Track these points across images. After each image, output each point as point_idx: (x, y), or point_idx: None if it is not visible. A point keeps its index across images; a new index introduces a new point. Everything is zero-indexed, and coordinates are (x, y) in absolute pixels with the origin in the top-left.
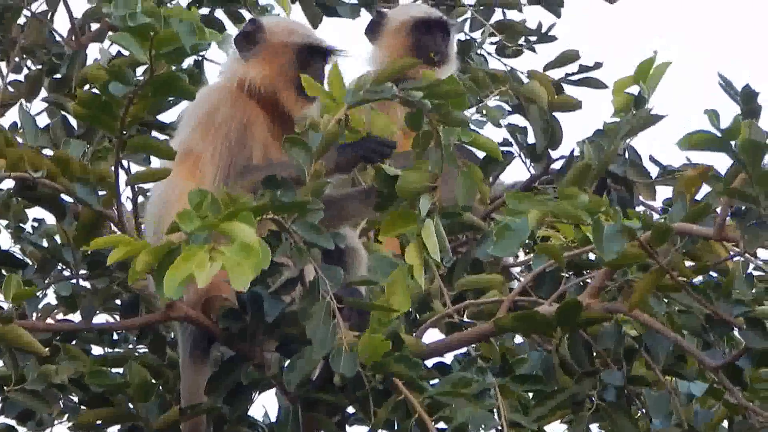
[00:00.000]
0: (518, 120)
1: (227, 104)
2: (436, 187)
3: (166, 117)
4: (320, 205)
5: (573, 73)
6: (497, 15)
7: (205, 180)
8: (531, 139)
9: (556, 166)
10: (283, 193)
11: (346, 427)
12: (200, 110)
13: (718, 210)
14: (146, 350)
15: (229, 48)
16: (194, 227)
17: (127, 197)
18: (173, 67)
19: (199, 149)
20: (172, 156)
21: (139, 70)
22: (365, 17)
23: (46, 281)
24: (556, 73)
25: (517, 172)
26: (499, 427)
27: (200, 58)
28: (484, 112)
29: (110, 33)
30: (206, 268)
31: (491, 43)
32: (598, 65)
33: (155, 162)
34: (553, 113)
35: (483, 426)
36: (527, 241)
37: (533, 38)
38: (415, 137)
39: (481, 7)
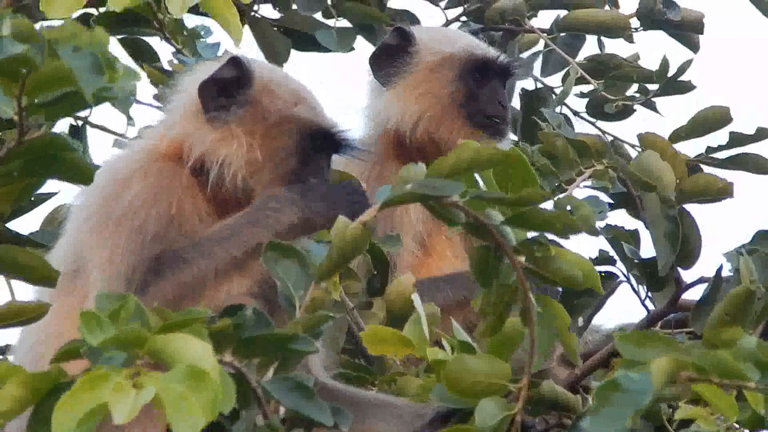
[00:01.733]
0: (625, 219)
1: (144, 177)
2: None
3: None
4: (315, 347)
5: (720, 146)
6: (589, 46)
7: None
8: (647, 250)
9: (693, 295)
10: (252, 320)
11: None
12: (99, 193)
13: None
14: None
15: (169, 94)
16: (106, 338)
17: None
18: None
19: (92, 258)
20: (54, 280)
21: None
22: (361, 50)
23: None
24: (690, 145)
25: (625, 307)
26: None
27: (81, 122)
28: (569, 207)
29: None
30: (129, 397)
31: (580, 95)
32: (764, 133)
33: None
34: (685, 206)
35: None
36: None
37: (653, 86)
38: (473, 261)
39: (562, 34)
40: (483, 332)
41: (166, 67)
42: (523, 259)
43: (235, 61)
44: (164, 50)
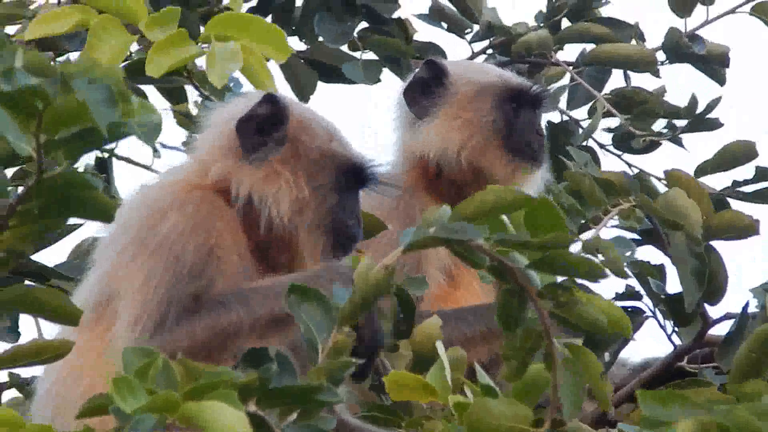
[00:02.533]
0: (651, 253)
1: (182, 207)
2: None
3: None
4: (339, 397)
5: (746, 181)
6: (615, 79)
7: (124, 332)
8: (674, 285)
9: (719, 331)
10: (276, 372)
11: None
12: (133, 224)
13: None
14: None
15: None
16: (138, 405)
17: None
18: (76, 166)
19: (123, 288)
20: (77, 318)
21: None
22: (387, 82)
23: None
24: (715, 179)
25: (652, 341)
26: None
27: (107, 155)
28: (597, 249)
29: None
30: None
31: (607, 129)
32: None
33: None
34: (711, 242)
35: None
36: None
37: (680, 122)
38: (497, 305)
39: (588, 67)
40: (506, 376)
41: (192, 109)
42: (547, 303)
43: (271, 98)
44: (190, 94)
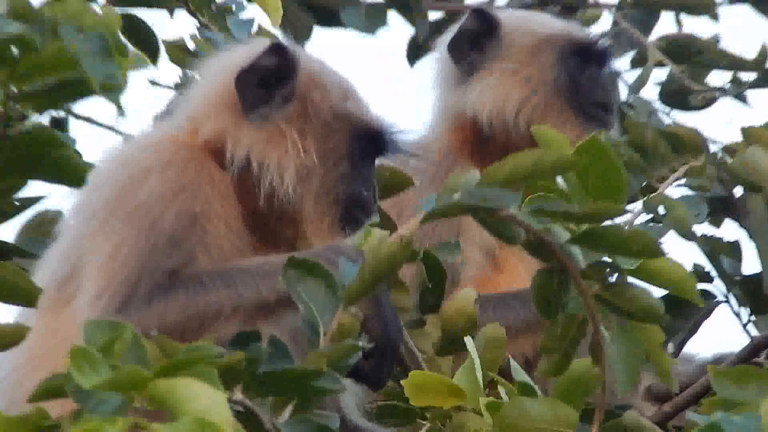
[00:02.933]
0: (724, 228)
1: (164, 168)
2: None
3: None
4: (341, 385)
5: None
6: (665, 23)
7: (83, 309)
8: (750, 265)
9: None
10: (267, 353)
11: None
12: (106, 187)
13: None
14: None
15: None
16: (100, 381)
17: None
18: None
19: (90, 259)
20: (34, 298)
21: None
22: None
23: None
24: None
25: (724, 332)
26: None
27: (64, 113)
28: (661, 209)
29: None
30: None
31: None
32: None
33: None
34: None
35: None
36: None
37: (745, 75)
38: (534, 287)
39: (631, 9)
40: (546, 371)
41: (189, 44)
42: (593, 285)
43: (278, 48)
44: (186, 24)
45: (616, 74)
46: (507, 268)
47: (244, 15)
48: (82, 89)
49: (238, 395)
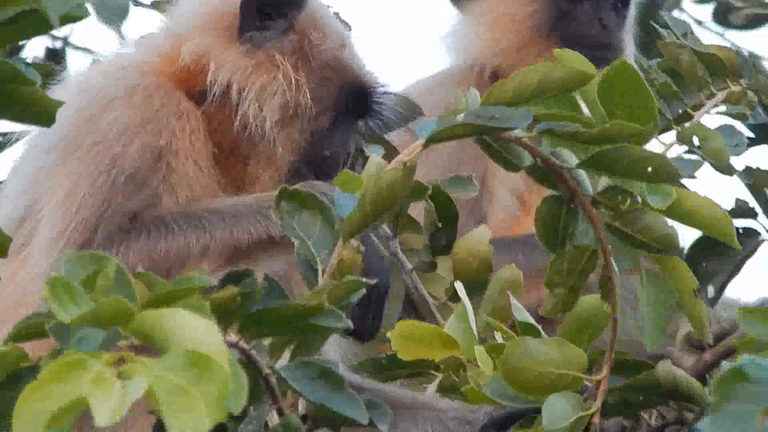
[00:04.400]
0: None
1: (129, 97)
2: None
3: None
4: (344, 323)
5: None
6: None
7: (37, 255)
8: None
9: None
10: (263, 289)
11: None
12: (66, 117)
13: None
14: None
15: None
16: (81, 314)
17: None
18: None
19: (46, 197)
20: (3, 247)
21: None
22: None
23: None
24: None
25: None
26: None
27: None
28: (698, 140)
29: None
30: (112, 392)
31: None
32: None
33: None
34: None
35: None
36: None
37: None
38: (538, 216)
39: None
40: (552, 310)
41: None
42: (604, 214)
43: None
44: None
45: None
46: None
47: None
48: (42, 23)
49: (233, 337)
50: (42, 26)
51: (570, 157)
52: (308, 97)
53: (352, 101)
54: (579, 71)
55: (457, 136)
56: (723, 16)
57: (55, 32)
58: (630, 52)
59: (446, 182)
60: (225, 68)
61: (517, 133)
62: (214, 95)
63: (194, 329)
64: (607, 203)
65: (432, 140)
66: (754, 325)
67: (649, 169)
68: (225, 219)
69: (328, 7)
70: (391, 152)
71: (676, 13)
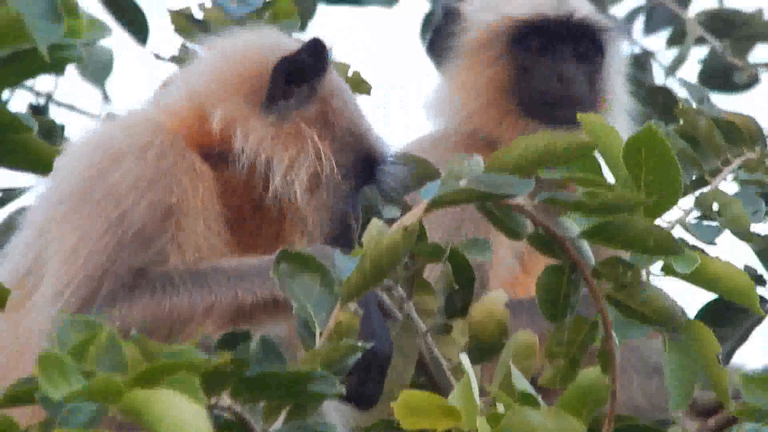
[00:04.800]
0: None
1: (142, 152)
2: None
3: None
4: (338, 389)
5: None
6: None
7: (40, 309)
8: None
9: None
10: (257, 354)
11: None
12: (76, 171)
13: None
14: None
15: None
16: (69, 391)
17: None
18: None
19: (52, 251)
20: (1, 299)
21: None
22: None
23: None
24: None
25: None
26: None
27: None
28: (715, 207)
29: None
30: None
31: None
32: None
33: None
34: None
35: None
36: None
37: None
38: (539, 286)
39: None
40: (550, 380)
41: (196, 13)
42: (606, 285)
43: (317, 45)
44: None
45: (647, 53)
46: (536, 271)
47: None
48: (37, 63)
49: (226, 400)
50: (37, 66)
51: (572, 227)
52: (333, 164)
53: (366, 168)
54: (582, 141)
55: (459, 201)
56: (711, 77)
57: (38, 88)
58: (619, 103)
59: (463, 245)
60: (253, 138)
61: (519, 200)
62: (241, 163)
63: (182, 412)
64: (609, 274)
65: (434, 204)
66: (756, 393)
67: (651, 242)
68: (230, 279)
69: (348, 66)
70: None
71: (661, 78)
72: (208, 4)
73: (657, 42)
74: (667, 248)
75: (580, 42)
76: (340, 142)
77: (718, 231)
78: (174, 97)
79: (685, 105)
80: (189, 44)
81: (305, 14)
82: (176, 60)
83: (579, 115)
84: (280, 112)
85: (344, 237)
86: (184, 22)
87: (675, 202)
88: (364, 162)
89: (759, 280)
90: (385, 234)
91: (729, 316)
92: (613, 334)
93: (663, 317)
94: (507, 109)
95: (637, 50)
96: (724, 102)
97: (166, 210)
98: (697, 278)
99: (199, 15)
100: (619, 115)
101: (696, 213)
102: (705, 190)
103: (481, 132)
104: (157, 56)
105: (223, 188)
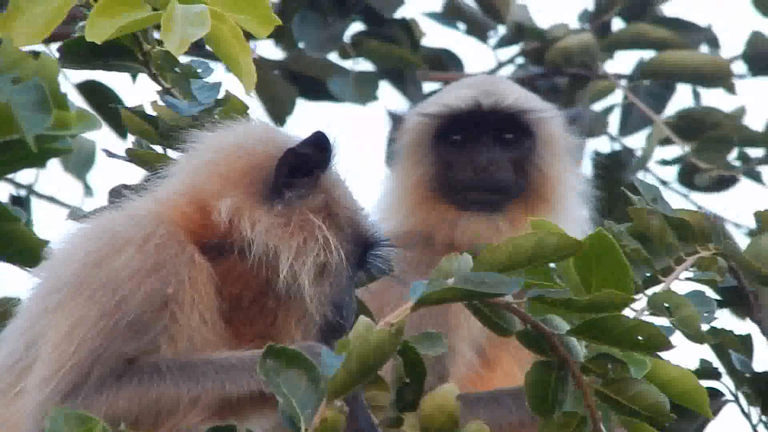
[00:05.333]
0: (734, 320)
1: (142, 243)
2: None
3: None
4: None
5: None
6: (681, 98)
7: (30, 395)
8: (762, 361)
9: None
10: None
11: None
12: (74, 259)
13: None
14: None
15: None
16: None
17: None
18: None
19: (44, 340)
20: None
21: None
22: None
23: None
24: None
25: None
26: None
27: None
28: (668, 305)
29: None
30: None
31: (663, 162)
32: None
33: None
34: None
35: None
36: None
37: (757, 151)
38: (528, 382)
39: (646, 82)
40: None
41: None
42: (594, 381)
43: (320, 138)
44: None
45: (629, 151)
46: (499, 366)
47: (210, 78)
48: (28, 155)
49: None
50: (28, 158)
51: (560, 324)
52: (339, 254)
53: (362, 257)
54: (574, 239)
55: (448, 299)
56: (688, 178)
57: (19, 180)
58: (564, 186)
59: (415, 339)
60: (260, 227)
61: (508, 298)
62: (249, 253)
63: None
64: (597, 370)
65: (422, 303)
66: None
67: (640, 337)
68: (218, 372)
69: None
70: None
71: (640, 175)
72: (161, 102)
73: (634, 141)
74: (657, 343)
75: (503, 128)
76: (343, 232)
77: (670, 332)
78: (172, 190)
79: (638, 204)
80: (142, 141)
81: (283, 109)
82: (131, 153)
83: (530, 220)
84: (285, 203)
85: (338, 328)
86: (136, 119)
87: (626, 305)
88: (361, 249)
89: (715, 373)
90: (372, 332)
91: (684, 409)
92: (603, 429)
93: (654, 412)
94: (435, 204)
95: (617, 147)
96: (707, 202)
97: (162, 301)
98: (651, 380)
99: (153, 112)
100: (566, 198)
101: (648, 313)
102: (657, 289)
103: (418, 229)
104: (109, 153)
105: (222, 279)
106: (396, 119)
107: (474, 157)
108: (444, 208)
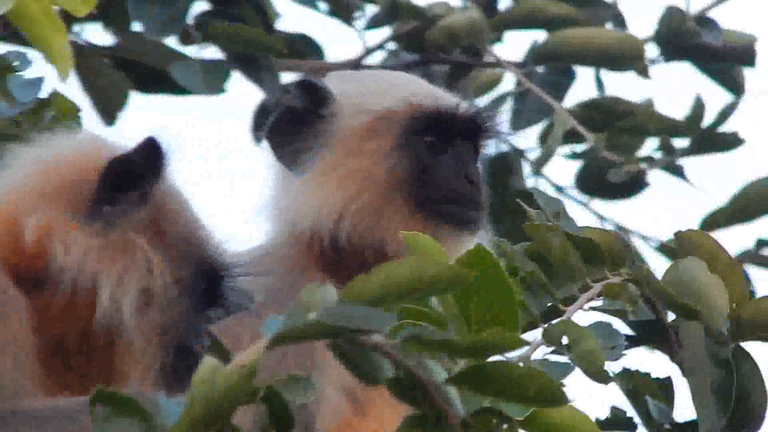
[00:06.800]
0: (651, 361)
1: None
2: None
3: None
4: None
5: None
6: (582, 85)
7: None
8: (683, 409)
9: None
10: None
11: None
12: None
13: None
14: None
15: None
16: None
17: None
18: None
19: None
20: None
21: None
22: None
23: None
24: (730, 235)
25: None
26: None
27: None
28: (567, 340)
29: None
30: None
31: (569, 155)
32: None
33: None
34: (743, 344)
35: None
36: None
37: (680, 142)
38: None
39: (541, 68)
40: None
41: None
42: None
43: (151, 145)
44: None
45: (518, 152)
46: (373, 412)
47: (30, 72)
48: None
49: None
50: None
51: (437, 370)
52: (167, 278)
53: (210, 284)
54: (458, 269)
55: (307, 337)
56: (589, 180)
57: None
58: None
59: (281, 383)
60: (75, 251)
61: (378, 338)
62: (62, 282)
63: None
64: (481, 427)
65: (278, 340)
66: None
67: (531, 390)
68: (32, 424)
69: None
70: (217, 349)
71: (532, 181)
72: None
73: (528, 139)
74: (551, 397)
75: (472, 137)
76: (175, 252)
77: (568, 368)
78: None
79: (536, 221)
80: None
81: (114, 103)
82: None
83: (402, 234)
84: (105, 221)
85: (186, 367)
86: None
87: (517, 347)
88: (204, 275)
89: (628, 424)
90: (219, 374)
91: None
92: None
93: None
94: (401, 205)
95: (505, 148)
96: (609, 210)
97: None
98: (535, 425)
99: None
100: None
101: (545, 348)
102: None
103: (356, 233)
104: None
105: (40, 317)
106: (317, 92)
107: (463, 166)
108: (411, 213)
